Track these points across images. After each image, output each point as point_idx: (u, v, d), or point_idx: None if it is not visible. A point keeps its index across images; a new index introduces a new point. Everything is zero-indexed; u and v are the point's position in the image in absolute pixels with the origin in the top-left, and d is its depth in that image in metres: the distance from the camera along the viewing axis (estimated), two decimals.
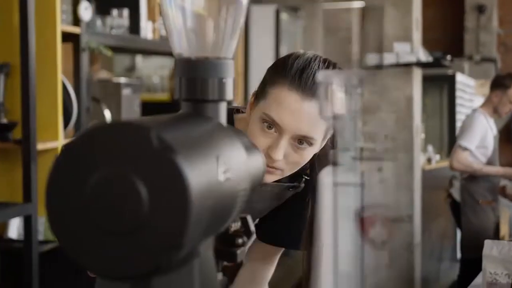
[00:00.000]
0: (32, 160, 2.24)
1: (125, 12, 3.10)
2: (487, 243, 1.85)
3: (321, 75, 0.68)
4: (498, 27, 9.08)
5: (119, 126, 0.60)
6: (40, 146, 2.37)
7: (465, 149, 4.12)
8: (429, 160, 5.68)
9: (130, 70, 4.75)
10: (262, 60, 5.06)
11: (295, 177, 1.37)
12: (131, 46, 3.23)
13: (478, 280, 1.98)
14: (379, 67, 5.28)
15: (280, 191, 1.38)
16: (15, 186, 2.41)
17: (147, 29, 3.25)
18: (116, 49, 3.27)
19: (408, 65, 5.36)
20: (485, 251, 1.84)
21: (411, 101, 5.39)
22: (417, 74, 5.60)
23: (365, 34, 5.65)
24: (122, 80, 3.20)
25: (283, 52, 6.92)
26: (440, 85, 6.79)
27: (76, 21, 2.63)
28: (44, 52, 2.42)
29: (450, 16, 8.77)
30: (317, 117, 1.21)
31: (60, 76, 2.47)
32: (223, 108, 0.77)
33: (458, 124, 6.66)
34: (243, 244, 0.84)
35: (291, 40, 6.90)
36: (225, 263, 0.95)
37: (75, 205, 0.60)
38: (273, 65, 1.29)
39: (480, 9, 8.94)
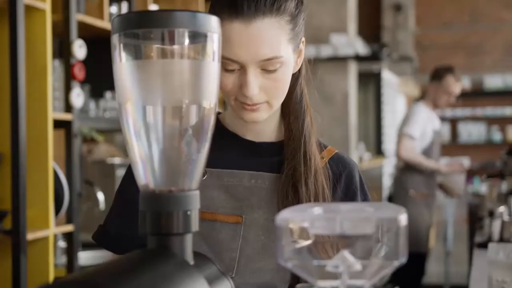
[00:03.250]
0: (22, 252, 2.22)
1: None
2: (492, 246, 1.65)
3: (280, 218, 0.67)
4: (415, 26, 9.18)
5: (66, 285, 0.59)
6: (31, 236, 2.35)
7: (411, 137, 4.08)
8: (360, 159, 5.58)
9: None
10: None
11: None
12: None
13: None
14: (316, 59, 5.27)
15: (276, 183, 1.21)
16: (4, 278, 2.38)
17: None
18: (110, 131, 3.29)
19: (344, 58, 5.33)
20: (490, 255, 1.63)
21: (346, 97, 5.34)
22: (353, 68, 5.56)
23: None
24: (117, 160, 3.21)
25: None
26: (365, 81, 6.77)
27: (69, 107, 2.66)
28: (36, 140, 2.44)
29: (366, 14, 8.82)
30: (273, 33, 1.11)
31: (52, 164, 2.47)
32: (188, 240, 0.76)
33: (384, 122, 6.62)
34: None
35: None
36: None
37: None
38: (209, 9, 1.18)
39: (397, 8, 9.01)
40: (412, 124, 4.08)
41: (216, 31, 0.75)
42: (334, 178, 1.24)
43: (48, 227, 2.45)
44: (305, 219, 0.67)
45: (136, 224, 1.29)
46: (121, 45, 0.73)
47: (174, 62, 0.74)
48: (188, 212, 0.75)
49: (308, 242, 0.69)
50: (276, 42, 1.12)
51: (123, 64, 0.74)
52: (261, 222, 1.19)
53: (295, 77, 1.24)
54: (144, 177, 0.76)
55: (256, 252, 1.19)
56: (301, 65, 1.25)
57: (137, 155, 0.76)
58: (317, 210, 0.70)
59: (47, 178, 2.44)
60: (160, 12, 0.73)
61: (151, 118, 0.75)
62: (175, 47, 0.73)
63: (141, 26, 0.72)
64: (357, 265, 0.67)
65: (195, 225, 0.76)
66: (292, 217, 0.68)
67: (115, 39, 0.73)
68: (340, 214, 0.67)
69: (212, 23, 0.74)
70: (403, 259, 0.66)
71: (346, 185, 1.26)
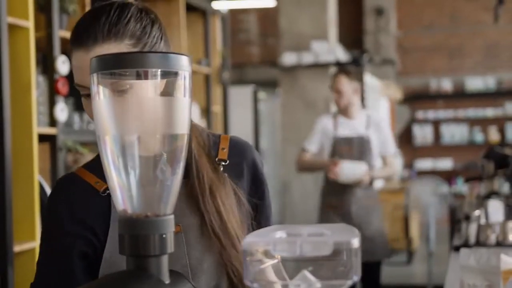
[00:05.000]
0: (9, 264, 2.27)
1: None
2: (464, 251, 1.71)
3: (246, 242, 0.74)
4: (397, 30, 9.32)
5: None
6: (17, 248, 2.41)
7: (303, 149, 4.10)
8: None
9: None
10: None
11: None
12: None
13: None
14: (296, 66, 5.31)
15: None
16: None
17: None
18: (95, 143, 3.34)
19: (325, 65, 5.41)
20: (462, 260, 1.69)
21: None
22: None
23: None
24: None
25: (263, 130, 7.07)
26: None
27: (53, 121, 2.71)
28: (21, 154, 2.48)
29: (348, 19, 8.93)
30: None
31: (37, 178, 2.52)
32: (164, 260, 0.82)
33: None
34: None
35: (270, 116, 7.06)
36: None
37: None
38: None
39: (379, 12, 9.11)
40: (308, 137, 4.14)
41: (186, 69, 0.81)
42: (237, 170, 1.31)
43: (34, 239, 2.51)
44: (268, 243, 0.74)
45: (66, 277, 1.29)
46: (99, 84, 0.79)
47: (148, 99, 0.81)
48: (164, 235, 0.82)
49: (272, 263, 0.75)
50: None
51: (101, 101, 0.80)
52: (195, 226, 1.27)
53: None
54: (122, 203, 0.82)
55: (201, 253, 1.26)
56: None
57: (115, 182, 0.82)
58: (279, 233, 0.76)
59: (33, 191, 2.50)
60: (135, 54, 0.80)
61: (128, 149, 0.81)
62: (149, 85, 0.80)
63: (117, 67, 0.79)
64: (317, 284, 0.74)
65: (170, 246, 0.82)
66: (256, 241, 0.74)
67: (93, 78, 0.80)
68: (301, 238, 0.74)
69: (183, 62, 0.81)
70: (356, 278, 0.73)
71: (251, 174, 1.34)
